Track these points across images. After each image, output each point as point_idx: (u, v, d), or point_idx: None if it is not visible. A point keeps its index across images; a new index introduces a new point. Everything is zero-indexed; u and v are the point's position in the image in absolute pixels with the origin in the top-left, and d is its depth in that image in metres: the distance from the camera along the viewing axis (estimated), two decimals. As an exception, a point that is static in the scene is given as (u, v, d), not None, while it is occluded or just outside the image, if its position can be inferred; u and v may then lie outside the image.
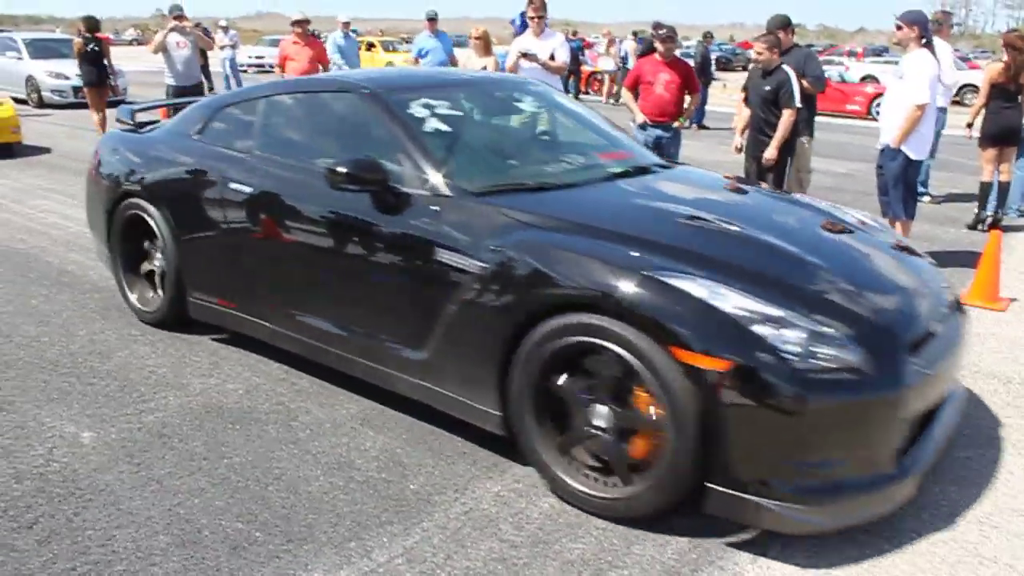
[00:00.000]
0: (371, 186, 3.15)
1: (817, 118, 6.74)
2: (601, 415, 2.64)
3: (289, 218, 3.53)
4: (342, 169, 3.09)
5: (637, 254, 2.63)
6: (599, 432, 2.65)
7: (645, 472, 2.55)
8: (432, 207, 3.09)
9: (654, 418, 2.50)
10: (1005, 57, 7.06)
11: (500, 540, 2.56)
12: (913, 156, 5.49)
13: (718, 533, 2.59)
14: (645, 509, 2.57)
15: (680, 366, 2.39)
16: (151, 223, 4.13)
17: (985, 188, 7.20)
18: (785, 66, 5.76)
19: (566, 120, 4.33)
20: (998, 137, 7.07)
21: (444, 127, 3.58)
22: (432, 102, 3.64)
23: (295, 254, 3.54)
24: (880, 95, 5.61)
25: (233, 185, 3.74)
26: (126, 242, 4.37)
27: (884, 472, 2.46)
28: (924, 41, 5.38)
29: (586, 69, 21.57)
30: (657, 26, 6.91)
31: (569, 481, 2.71)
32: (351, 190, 3.15)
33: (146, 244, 4.32)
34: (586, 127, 4.25)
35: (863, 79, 20.73)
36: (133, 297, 4.42)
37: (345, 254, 3.34)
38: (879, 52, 35.38)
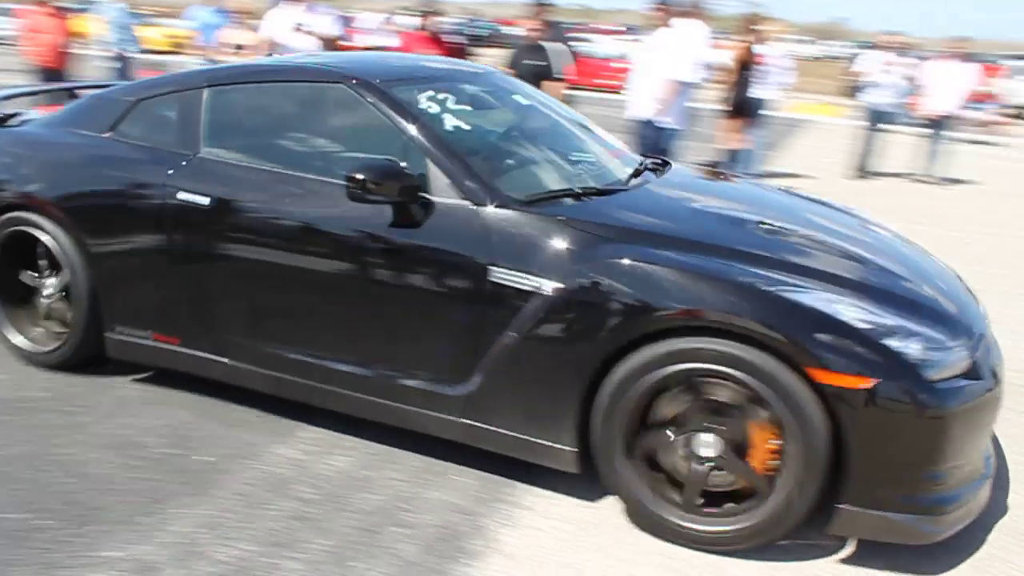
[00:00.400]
0: (401, 196, 2.72)
1: (573, 91, 7.20)
2: (710, 444, 2.49)
3: (271, 235, 2.97)
4: (361, 176, 2.64)
5: (752, 270, 2.48)
6: (707, 463, 2.50)
7: (762, 501, 2.45)
8: (477, 219, 2.69)
9: (775, 444, 2.41)
10: (747, 37, 7.93)
11: (297, 499, 2.67)
12: (674, 127, 6.08)
13: (504, 472, 2.85)
14: (763, 539, 2.47)
15: (813, 387, 2.31)
16: (48, 243, 3.34)
17: (730, 155, 8.08)
18: (548, 42, 6.17)
19: (545, 114, 3.79)
20: (741, 109, 7.95)
21: (464, 125, 3.11)
22: (439, 95, 3.16)
23: (278, 277, 2.99)
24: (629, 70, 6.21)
25: (183, 195, 3.08)
26: (2, 268, 3.54)
27: (981, 473, 2.56)
28: (677, 21, 5.97)
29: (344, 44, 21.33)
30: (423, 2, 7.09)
31: (672, 518, 2.54)
32: (375, 202, 2.71)
33: (29, 271, 3.53)
34: (562, 123, 3.75)
35: (616, 57, 22.26)
36: (18, 339, 3.53)
37: (354, 277, 2.85)
38: (634, 30, 37.54)
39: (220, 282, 3.09)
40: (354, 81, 3.04)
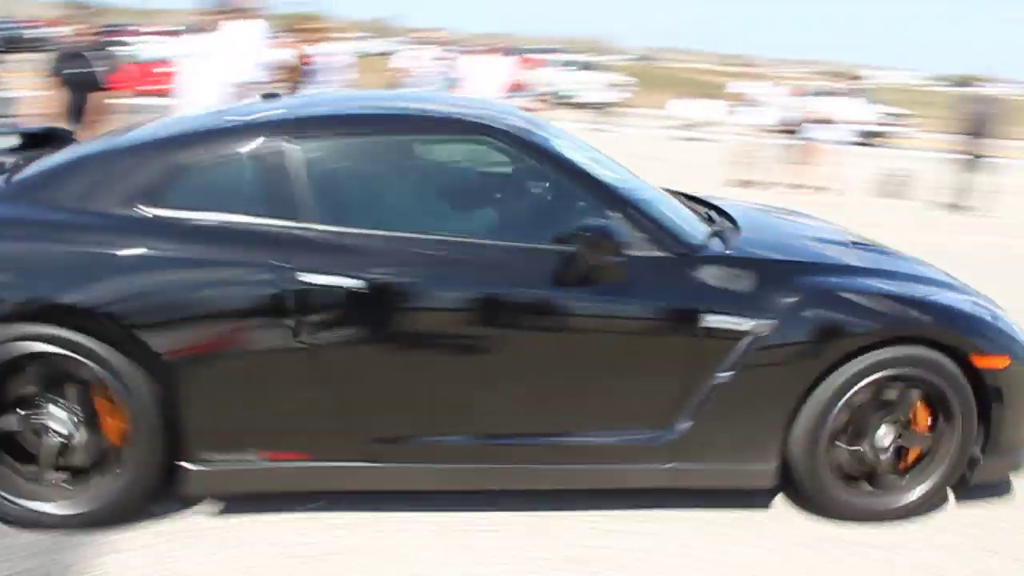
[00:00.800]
0: (618, 256, 2.68)
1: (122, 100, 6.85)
2: (884, 436, 2.97)
3: (440, 312, 2.69)
4: (600, 239, 2.65)
5: (893, 283, 3.04)
6: (882, 452, 2.97)
7: (923, 477, 3.03)
8: (683, 269, 2.79)
9: (934, 427, 3.00)
10: (299, 36, 8.16)
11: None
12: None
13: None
14: (919, 511, 3.06)
15: (971, 371, 2.90)
16: (85, 366, 2.57)
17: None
18: (92, 48, 5.78)
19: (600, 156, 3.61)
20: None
21: (609, 173, 3.11)
22: (559, 140, 3.14)
23: (454, 359, 2.73)
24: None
25: (308, 277, 2.57)
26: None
27: None
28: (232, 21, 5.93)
29: None
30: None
31: (847, 497, 3.00)
32: (598, 264, 2.66)
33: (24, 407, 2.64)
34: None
35: (161, 60, 21.25)
36: (22, 501, 2.64)
37: (552, 343, 2.74)
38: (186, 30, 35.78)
39: (370, 376, 2.67)
40: (501, 133, 2.87)
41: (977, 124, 10.88)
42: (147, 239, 2.61)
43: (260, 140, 2.73)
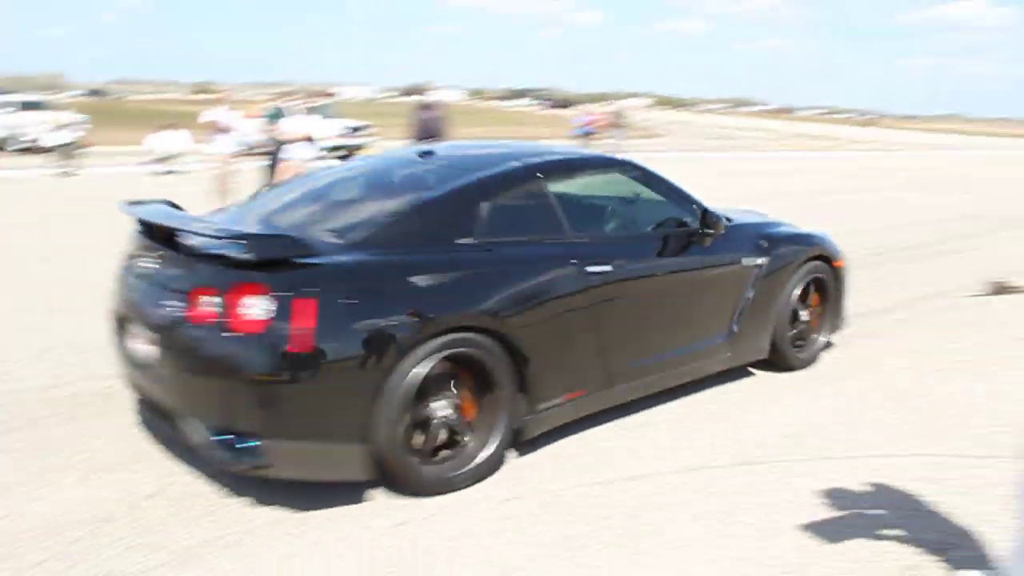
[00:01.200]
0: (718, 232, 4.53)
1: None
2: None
3: (641, 282, 4.17)
4: (722, 222, 4.52)
5: (793, 227, 5.49)
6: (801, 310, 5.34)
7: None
8: (726, 236, 4.64)
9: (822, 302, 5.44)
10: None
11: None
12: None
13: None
14: None
15: (834, 271, 5.53)
16: (484, 360, 3.49)
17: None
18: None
19: None
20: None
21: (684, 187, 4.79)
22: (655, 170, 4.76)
23: (644, 312, 4.19)
24: None
25: (592, 268, 3.90)
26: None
27: None
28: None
29: None
30: None
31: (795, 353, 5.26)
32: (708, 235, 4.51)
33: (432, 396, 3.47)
34: None
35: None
36: (429, 469, 3.45)
37: (675, 292, 4.39)
38: None
39: (615, 326, 4.02)
40: (627, 166, 4.63)
41: (428, 128, 11.47)
42: (494, 260, 3.62)
43: (535, 181, 3.99)
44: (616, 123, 26.23)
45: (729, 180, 20.33)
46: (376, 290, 3.27)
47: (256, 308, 3.09)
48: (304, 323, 3.06)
